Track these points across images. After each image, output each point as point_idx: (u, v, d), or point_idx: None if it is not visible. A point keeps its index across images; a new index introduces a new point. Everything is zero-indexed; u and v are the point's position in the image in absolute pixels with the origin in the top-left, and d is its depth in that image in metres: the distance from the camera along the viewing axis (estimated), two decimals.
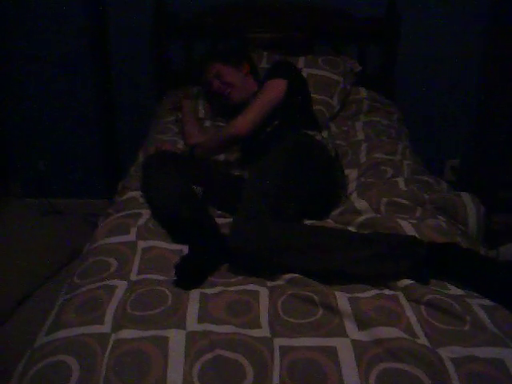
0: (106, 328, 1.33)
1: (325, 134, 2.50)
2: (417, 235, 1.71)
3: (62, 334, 1.32)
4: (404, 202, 1.95)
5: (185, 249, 1.71)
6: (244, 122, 2.14)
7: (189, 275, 1.53)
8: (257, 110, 2.18)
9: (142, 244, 1.72)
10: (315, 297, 1.44)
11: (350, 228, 1.86)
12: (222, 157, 2.45)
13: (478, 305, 1.42)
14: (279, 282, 1.55)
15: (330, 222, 1.94)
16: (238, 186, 1.96)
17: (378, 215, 1.90)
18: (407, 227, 1.77)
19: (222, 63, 2.47)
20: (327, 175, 2.06)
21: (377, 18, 2.91)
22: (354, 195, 2.09)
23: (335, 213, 2.02)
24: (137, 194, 2.06)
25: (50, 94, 3.20)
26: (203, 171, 2.14)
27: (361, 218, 1.88)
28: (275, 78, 2.27)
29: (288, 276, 1.56)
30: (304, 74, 2.68)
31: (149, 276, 1.54)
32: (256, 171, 1.90)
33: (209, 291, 1.49)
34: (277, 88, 2.25)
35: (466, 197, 1.96)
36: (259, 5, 2.92)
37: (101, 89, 3.16)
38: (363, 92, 2.88)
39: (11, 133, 3.32)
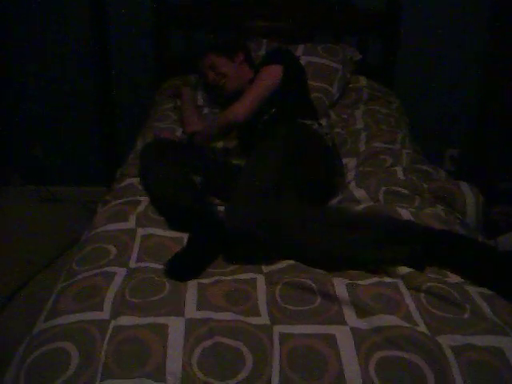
0: (105, 315, 1.32)
1: (323, 121, 2.50)
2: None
3: (61, 320, 1.32)
4: (403, 190, 1.94)
5: (185, 237, 1.71)
6: (241, 108, 2.13)
7: (186, 266, 1.53)
8: (253, 95, 2.17)
9: (141, 231, 1.71)
10: (313, 284, 1.44)
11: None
12: (220, 145, 2.45)
13: (478, 293, 1.42)
14: (275, 267, 1.56)
15: None
16: (236, 175, 1.95)
17: (377, 204, 1.90)
18: (406, 215, 1.77)
19: (216, 54, 2.47)
20: (323, 164, 2.05)
21: (378, 9, 2.91)
22: (353, 184, 2.08)
23: (334, 201, 2.02)
24: (135, 180, 2.06)
25: (48, 81, 3.19)
26: (202, 160, 2.13)
27: (361, 206, 1.88)
28: (271, 63, 2.28)
29: (284, 262, 1.57)
30: (303, 61, 2.67)
31: (148, 264, 1.54)
32: (252, 161, 1.89)
33: (205, 281, 1.49)
34: (273, 73, 2.25)
35: (464, 186, 1.96)
36: None
37: (100, 77, 3.15)
38: (363, 80, 2.87)
39: (9, 121, 3.31)
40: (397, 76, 3.05)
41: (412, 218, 1.74)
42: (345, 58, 2.82)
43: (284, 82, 2.25)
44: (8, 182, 3.42)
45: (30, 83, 3.20)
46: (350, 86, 2.83)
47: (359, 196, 1.97)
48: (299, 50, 2.78)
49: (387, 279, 1.49)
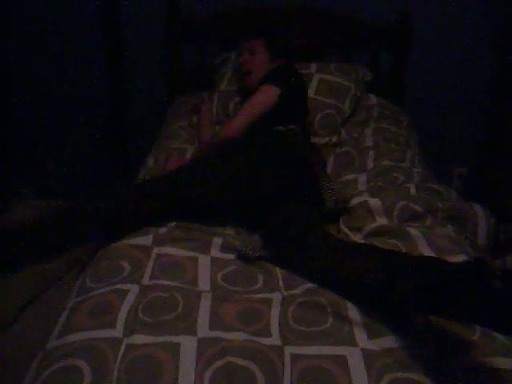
0: (117, 333, 1.33)
1: (334, 138, 2.57)
2: (426, 249, 1.71)
3: (74, 337, 1.33)
4: (417, 208, 1.94)
5: (199, 256, 1.71)
6: (232, 128, 2.22)
7: None
8: (245, 115, 2.25)
9: (156, 250, 1.71)
10: (326, 304, 1.45)
11: (359, 235, 1.88)
12: None
13: None
14: (294, 290, 1.57)
15: (340, 225, 1.97)
16: None
17: (388, 224, 1.90)
18: (417, 236, 1.78)
19: (263, 44, 2.50)
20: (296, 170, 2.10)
21: (388, 26, 2.93)
22: (367, 194, 2.08)
23: (345, 216, 2.03)
24: None
25: (62, 94, 3.22)
26: None
27: (372, 225, 1.89)
28: (270, 83, 2.31)
29: (305, 286, 1.58)
30: (316, 79, 2.71)
31: (161, 281, 1.55)
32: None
33: (220, 297, 1.50)
34: (268, 95, 2.30)
35: (477, 208, 1.97)
36: (272, 9, 2.93)
37: (112, 91, 3.17)
38: (373, 99, 2.89)
39: (21, 136, 3.34)
40: (406, 93, 3.06)
41: (422, 239, 1.75)
42: (357, 77, 2.83)
43: (279, 105, 2.30)
44: (20, 197, 3.44)
45: (43, 98, 3.23)
46: (361, 104, 2.84)
47: (373, 206, 1.97)
48: (312, 68, 2.80)
49: None
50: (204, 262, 1.69)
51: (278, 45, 2.57)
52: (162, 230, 1.83)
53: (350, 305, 1.46)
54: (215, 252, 1.76)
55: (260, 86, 2.34)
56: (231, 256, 1.75)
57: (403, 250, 1.71)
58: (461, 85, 3.11)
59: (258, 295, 1.54)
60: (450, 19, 2.97)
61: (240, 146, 2.13)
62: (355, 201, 2.03)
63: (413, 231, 1.81)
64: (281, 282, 1.63)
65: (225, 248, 1.78)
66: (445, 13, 2.95)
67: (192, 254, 1.72)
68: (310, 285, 1.59)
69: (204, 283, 1.57)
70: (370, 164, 2.38)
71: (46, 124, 3.31)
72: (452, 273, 1.32)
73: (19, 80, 3.21)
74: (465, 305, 1.27)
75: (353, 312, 1.43)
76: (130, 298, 1.46)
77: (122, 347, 1.29)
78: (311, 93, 2.68)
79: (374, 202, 1.99)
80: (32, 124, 3.31)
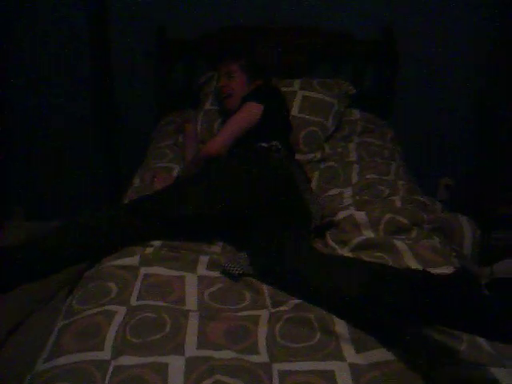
0: (105, 355, 1.33)
1: (318, 154, 2.59)
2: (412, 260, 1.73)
3: (62, 360, 1.32)
4: (403, 220, 1.96)
5: (187, 275, 1.71)
6: (215, 144, 2.23)
7: None
8: (228, 132, 2.27)
9: (143, 270, 1.71)
10: (313, 320, 1.45)
11: (346, 249, 1.88)
12: None
13: None
14: (283, 308, 1.57)
15: (327, 239, 1.97)
16: None
17: (375, 237, 1.91)
18: (402, 248, 1.80)
19: (240, 67, 2.54)
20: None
21: (374, 41, 2.96)
22: (353, 208, 2.09)
23: (332, 230, 2.04)
24: None
25: (52, 115, 3.22)
26: None
27: (358, 239, 1.90)
28: (252, 101, 2.34)
29: (292, 302, 1.58)
30: (299, 96, 2.74)
31: (148, 302, 1.55)
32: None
33: (207, 316, 1.50)
34: (251, 112, 2.33)
35: (462, 219, 1.99)
36: (258, 28, 2.95)
37: (103, 111, 3.18)
38: (356, 114, 2.91)
39: (12, 155, 3.33)
40: (392, 107, 3.09)
41: (409, 251, 1.77)
42: (340, 93, 2.86)
43: (262, 121, 2.32)
44: (11, 217, 3.43)
45: (32, 117, 3.23)
46: (344, 119, 2.86)
47: (359, 219, 1.99)
48: (296, 85, 2.83)
49: None
50: (191, 280, 1.69)
51: (255, 66, 2.61)
52: (149, 250, 1.83)
53: (336, 320, 1.47)
54: (202, 270, 1.76)
55: (241, 104, 2.37)
56: (218, 274, 1.75)
57: (390, 263, 1.73)
58: (447, 96, 3.15)
59: (245, 313, 1.54)
60: (435, 33, 3.01)
61: (224, 163, 2.14)
62: (341, 215, 2.05)
63: (399, 244, 1.82)
64: (268, 299, 1.64)
65: (211, 266, 1.79)
66: (431, 27, 2.99)
67: (179, 273, 1.72)
68: (297, 301, 1.59)
69: (191, 302, 1.57)
70: (355, 178, 2.39)
71: (39, 147, 3.31)
72: (438, 285, 1.33)
73: (11, 103, 3.21)
74: (452, 314, 1.27)
75: (340, 327, 1.43)
76: (118, 320, 1.46)
77: (110, 369, 1.28)
78: (295, 111, 2.70)
79: (360, 216, 2.00)
80: (24, 147, 3.31)
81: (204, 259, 1.82)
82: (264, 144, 2.23)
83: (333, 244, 1.95)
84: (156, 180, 2.34)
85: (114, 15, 2.98)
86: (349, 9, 2.95)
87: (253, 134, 2.30)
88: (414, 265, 1.71)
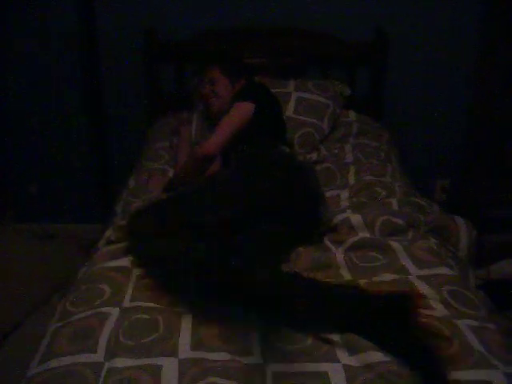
0: (99, 357, 1.33)
1: (314, 155, 2.59)
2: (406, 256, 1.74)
3: (55, 363, 1.32)
4: (399, 221, 1.96)
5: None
6: (211, 144, 2.21)
7: None
8: (223, 132, 2.25)
9: (136, 271, 1.71)
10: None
11: (341, 248, 1.88)
12: None
13: (466, 325, 1.43)
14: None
15: (324, 241, 1.96)
16: None
17: (371, 236, 1.92)
18: (398, 249, 1.80)
19: (221, 71, 2.54)
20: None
21: (365, 43, 2.96)
22: (349, 211, 2.09)
23: (328, 229, 2.02)
24: None
25: (43, 117, 3.22)
26: None
27: (354, 238, 1.90)
28: (243, 100, 2.34)
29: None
30: (294, 97, 2.74)
31: (141, 303, 1.54)
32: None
33: (201, 318, 1.49)
34: (243, 111, 2.32)
35: (459, 221, 2.00)
36: (251, 29, 2.96)
37: (94, 113, 3.18)
38: (352, 115, 2.92)
39: (3, 157, 3.33)
40: (385, 107, 3.10)
41: (404, 252, 1.77)
42: (335, 94, 2.86)
43: (256, 118, 2.31)
44: (2, 220, 3.43)
45: (26, 121, 3.23)
46: (340, 120, 2.87)
47: (355, 222, 1.98)
48: (291, 86, 2.83)
49: None
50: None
51: (234, 66, 2.61)
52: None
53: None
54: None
55: (231, 104, 2.36)
56: None
57: (382, 262, 1.74)
58: (441, 98, 3.15)
59: (237, 311, 1.52)
60: (427, 35, 3.01)
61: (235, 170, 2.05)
62: (338, 218, 2.04)
63: (394, 244, 1.83)
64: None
65: None
66: (424, 28, 3.00)
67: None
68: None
69: (184, 302, 1.56)
70: (352, 180, 2.40)
71: (29, 149, 3.31)
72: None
73: (4, 108, 3.22)
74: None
75: (332, 334, 1.42)
76: (111, 322, 1.46)
77: (104, 371, 1.28)
78: (290, 111, 2.70)
79: (356, 219, 2.00)
80: (15, 149, 3.31)
81: None
82: (284, 148, 2.25)
83: (328, 244, 1.94)
84: (150, 181, 2.33)
85: (103, 17, 2.98)
86: (339, 10, 2.95)
87: (250, 133, 2.29)
88: (409, 265, 1.71)
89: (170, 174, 2.49)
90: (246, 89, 2.47)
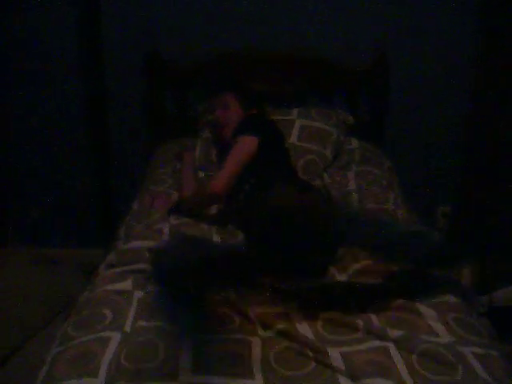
0: (99, 381, 1.32)
1: (318, 182, 2.58)
2: None
3: None
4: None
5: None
6: (219, 183, 2.18)
7: None
8: (229, 169, 2.22)
9: (138, 294, 1.72)
10: (309, 352, 1.44)
11: (344, 274, 1.88)
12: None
13: (471, 352, 1.43)
14: (269, 334, 1.55)
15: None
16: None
17: (372, 263, 1.90)
18: None
19: (236, 98, 2.55)
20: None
21: (366, 70, 2.98)
22: None
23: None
24: (141, 244, 2.04)
25: (45, 141, 3.25)
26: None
27: (356, 266, 1.89)
28: (246, 134, 2.33)
29: (279, 326, 1.55)
30: (297, 125, 2.75)
31: (143, 326, 1.54)
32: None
33: (202, 338, 1.49)
34: (248, 146, 2.30)
35: (461, 248, 2.00)
36: (253, 57, 2.97)
37: (96, 138, 3.20)
38: (355, 142, 2.93)
39: (4, 181, 3.35)
40: (387, 134, 3.11)
41: None
42: (338, 122, 2.88)
43: (260, 152, 2.31)
44: (3, 244, 3.43)
45: (28, 144, 3.26)
46: (343, 147, 2.87)
47: (358, 250, 1.96)
48: (294, 114, 2.85)
49: (378, 343, 1.48)
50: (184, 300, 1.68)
51: (248, 95, 2.63)
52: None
53: (332, 353, 1.44)
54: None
55: (234, 138, 2.36)
56: None
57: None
58: (441, 124, 3.16)
59: (238, 336, 1.52)
60: (428, 60, 3.04)
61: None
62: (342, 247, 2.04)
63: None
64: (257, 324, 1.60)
65: None
66: (424, 53, 3.02)
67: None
68: (283, 325, 1.56)
69: (185, 324, 1.56)
70: (355, 207, 2.39)
71: (31, 173, 3.33)
72: None
73: (5, 130, 3.24)
74: None
75: (336, 360, 1.41)
76: (112, 346, 1.45)
77: None
78: (294, 139, 2.72)
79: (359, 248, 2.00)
80: (17, 173, 3.34)
81: None
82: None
83: (332, 269, 1.94)
84: (156, 201, 2.34)
85: (107, 40, 3.02)
86: (339, 36, 2.98)
87: (252, 167, 2.28)
88: None
89: (175, 196, 2.50)
90: (246, 122, 2.45)
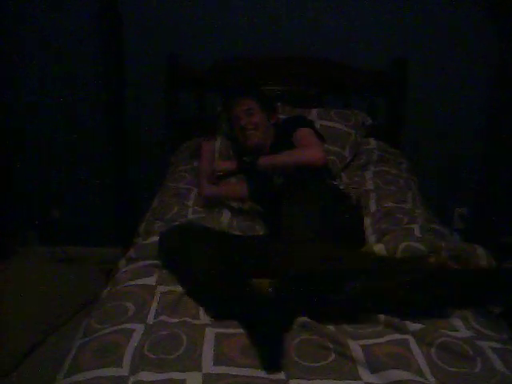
0: (124, 371, 1.35)
1: (338, 182, 2.61)
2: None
3: (80, 376, 1.34)
4: (420, 247, 1.96)
5: None
6: (320, 153, 2.36)
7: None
8: (318, 143, 2.44)
9: (161, 288, 1.74)
10: (329, 344, 1.45)
11: None
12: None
13: (489, 347, 1.44)
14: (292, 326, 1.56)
15: None
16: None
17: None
18: None
19: (258, 104, 2.57)
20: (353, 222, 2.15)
21: (383, 73, 3.00)
22: (372, 238, 2.13)
23: None
24: None
25: (64, 141, 3.29)
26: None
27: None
28: (300, 127, 2.48)
29: (301, 320, 1.57)
30: (317, 125, 2.77)
31: (165, 318, 1.57)
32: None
33: (223, 331, 1.51)
34: (312, 134, 2.50)
35: (480, 250, 1.99)
36: (271, 58, 3.00)
37: (115, 137, 3.24)
38: (373, 142, 2.94)
39: (26, 181, 3.40)
40: (404, 135, 3.11)
41: None
42: (357, 123, 2.90)
43: None
44: (24, 242, 3.48)
45: (49, 146, 3.30)
46: (361, 148, 2.89)
47: (377, 249, 1.97)
48: (313, 114, 2.87)
49: (398, 336, 1.50)
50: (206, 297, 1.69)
51: (269, 101, 2.70)
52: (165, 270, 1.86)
53: (352, 345, 1.45)
54: None
55: (291, 131, 2.49)
56: None
57: None
58: (459, 125, 3.16)
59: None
60: (446, 63, 3.04)
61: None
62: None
63: None
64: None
65: None
66: (443, 56, 3.02)
67: None
68: (305, 319, 1.57)
69: (206, 317, 1.60)
70: (373, 206, 2.40)
71: (52, 174, 3.38)
72: None
73: (28, 130, 3.29)
74: None
75: (356, 353, 1.43)
76: (136, 337, 1.48)
77: None
78: None
79: (378, 247, 2.01)
80: (39, 173, 3.39)
81: None
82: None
83: None
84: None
85: (128, 41, 3.07)
86: (358, 40, 3.01)
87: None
88: None
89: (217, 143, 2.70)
90: (300, 118, 2.63)
